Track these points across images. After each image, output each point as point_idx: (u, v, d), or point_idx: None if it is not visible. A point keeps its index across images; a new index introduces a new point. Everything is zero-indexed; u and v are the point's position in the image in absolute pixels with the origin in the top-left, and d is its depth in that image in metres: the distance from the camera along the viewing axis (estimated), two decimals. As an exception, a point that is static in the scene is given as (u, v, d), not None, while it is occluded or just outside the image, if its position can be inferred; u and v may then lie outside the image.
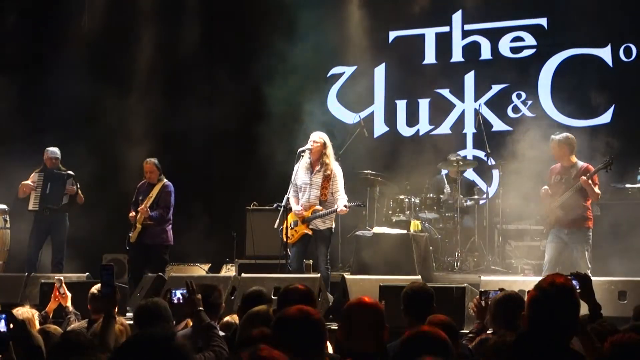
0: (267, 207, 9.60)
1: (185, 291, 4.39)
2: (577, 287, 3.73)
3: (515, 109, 10.98)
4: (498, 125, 10.99)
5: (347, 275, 7.91)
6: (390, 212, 10.20)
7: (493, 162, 10.19)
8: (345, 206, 7.88)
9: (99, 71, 11.81)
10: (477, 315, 5.06)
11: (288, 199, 8.13)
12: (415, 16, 11.34)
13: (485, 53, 11.30)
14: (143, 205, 9.08)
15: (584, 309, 3.69)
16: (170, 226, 9.34)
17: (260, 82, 10.86)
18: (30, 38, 11.76)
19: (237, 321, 4.95)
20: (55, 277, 6.19)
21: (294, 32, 10.86)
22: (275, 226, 8.20)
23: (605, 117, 10.50)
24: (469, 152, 11.15)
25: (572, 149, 7.84)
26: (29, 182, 9.65)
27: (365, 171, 10.39)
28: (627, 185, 9.14)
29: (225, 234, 10.47)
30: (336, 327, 5.29)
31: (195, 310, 4.24)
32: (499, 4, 11.29)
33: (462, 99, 11.32)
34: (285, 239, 8.10)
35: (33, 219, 9.68)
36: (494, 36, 11.23)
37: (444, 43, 11.51)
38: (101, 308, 3.90)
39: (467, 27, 11.40)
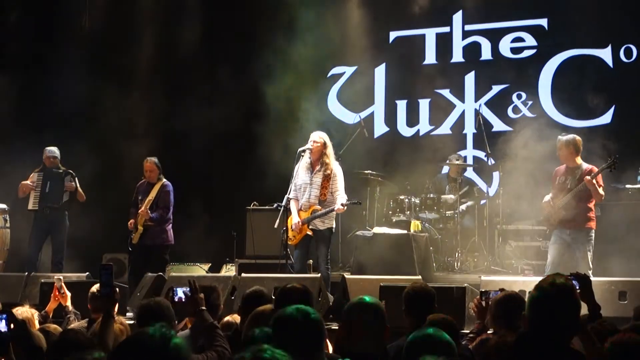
0: (267, 207, 9.60)
1: (187, 290, 4.37)
2: (577, 288, 3.73)
3: (516, 110, 10.97)
4: (498, 125, 10.99)
5: (348, 275, 7.92)
6: (390, 212, 10.20)
7: (493, 163, 10.19)
8: (342, 204, 7.87)
9: (100, 71, 11.81)
10: (477, 315, 5.05)
11: (289, 199, 8.13)
12: (415, 16, 11.34)
13: (486, 53, 11.30)
14: (143, 207, 9.08)
15: (583, 310, 3.69)
16: (171, 226, 9.34)
17: (260, 81, 10.86)
18: (31, 37, 11.75)
19: (238, 321, 4.95)
20: (55, 277, 6.18)
21: (295, 32, 10.86)
22: (276, 226, 8.20)
23: (606, 118, 10.50)
24: (469, 152, 11.15)
25: (577, 151, 7.85)
26: (28, 182, 9.66)
27: (366, 171, 10.39)
28: (628, 186, 9.14)
29: (226, 234, 10.47)
30: (336, 327, 5.29)
31: (198, 309, 4.22)
32: (499, 4, 11.28)
33: (462, 99, 11.32)
34: (286, 240, 8.10)
35: (33, 218, 9.69)
36: (494, 36, 11.23)
37: (444, 43, 11.51)
38: (101, 307, 3.87)
39: (468, 27, 11.40)
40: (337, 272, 8.90)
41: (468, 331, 5.17)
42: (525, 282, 6.75)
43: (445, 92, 11.35)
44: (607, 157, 7.89)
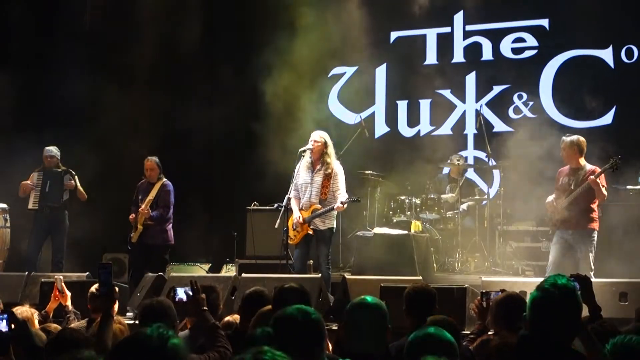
0: (267, 207, 9.61)
1: (188, 290, 4.36)
2: (577, 289, 3.72)
3: (517, 110, 10.97)
4: (499, 126, 10.98)
5: (348, 276, 7.91)
6: (391, 212, 10.20)
7: (494, 163, 10.19)
8: (342, 202, 7.86)
9: (100, 70, 11.82)
10: (478, 316, 5.04)
11: (289, 199, 8.12)
12: (416, 16, 11.33)
13: (487, 54, 11.29)
14: (143, 206, 9.09)
15: (584, 311, 3.68)
16: (171, 226, 9.35)
17: (261, 81, 10.85)
18: (32, 36, 11.74)
19: (238, 321, 4.94)
20: (55, 277, 6.17)
21: (295, 32, 10.85)
22: (276, 226, 8.20)
23: (607, 119, 10.49)
24: (470, 152, 11.15)
25: (581, 152, 7.84)
26: (28, 182, 9.68)
27: (366, 171, 10.39)
28: (628, 187, 9.13)
29: (226, 234, 10.47)
30: (336, 328, 5.29)
31: (199, 309, 4.21)
32: (500, 4, 11.29)
33: (463, 100, 11.31)
34: (286, 240, 8.10)
35: (33, 217, 9.70)
36: (495, 37, 11.23)
37: (445, 44, 11.51)
38: (100, 307, 3.84)
39: (469, 27, 11.39)
40: (338, 273, 8.90)
41: (469, 332, 5.16)
42: (526, 283, 6.74)
43: (446, 93, 11.35)
44: (607, 158, 7.88)
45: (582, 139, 7.90)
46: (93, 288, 5.38)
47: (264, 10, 11.64)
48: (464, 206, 10.13)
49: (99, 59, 12.03)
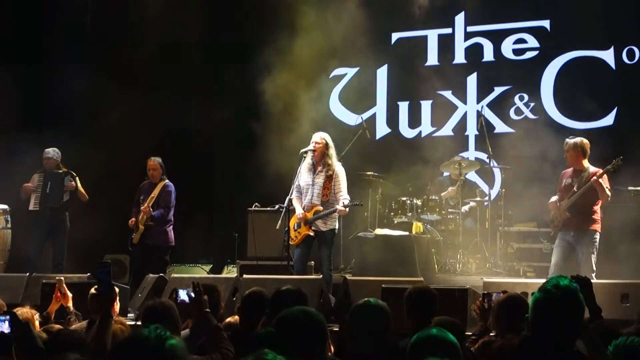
0: (268, 208, 9.59)
1: (190, 291, 4.34)
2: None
3: (518, 111, 10.96)
4: (500, 127, 10.97)
5: (349, 277, 7.90)
6: (392, 213, 10.19)
7: (495, 164, 10.18)
8: (344, 206, 7.86)
9: (100, 70, 11.82)
10: (479, 317, 5.04)
11: (290, 200, 8.12)
12: (417, 17, 11.33)
13: (488, 55, 11.29)
14: (145, 205, 9.09)
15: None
16: (172, 227, 9.35)
17: (262, 82, 10.85)
18: (33, 36, 11.74)
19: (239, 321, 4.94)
20: (57, 278, 6.17)
21: (296, 33, 10.84)
22: (277, 227, 8.20)
23: (608, 120, 10.49)
24: (471, 153, 11.14)
25: (585, 154, 7.85)
26: (29, 184, 9.69)
27: (367, 173, 10.38)
28: (630, 188, 9.13)
29: (227, 235, 10.46)
30: (337, 329, 5.29)
31: (202, 311, 4.20)
32: (501, 5, 11.28)
33: (464, 101, 11.31)
34: (287, 241, 8.09)
35: (34, 219, 9.70)
36: (496, 38, 11.22)
37: (446, 45, 11.50)
38: (98, 307, 3.78)
39: (470, 28, 11.39)
40: (339, 274, 8.89)
41: (470, 333, 5.15)
42: (527, 284, 6.73)
43: (447, 94, 11.34)
44: (608, 159, 7.87)
45: (585, 141, 7.91)
46: (93, 289, 5.38)
47: (264, 10, 11.63)
48: (465, 207, 10.12)
49: (100, 59, 12.04)
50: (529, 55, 11.08)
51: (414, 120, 11.58)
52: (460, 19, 11.42)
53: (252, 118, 11.14)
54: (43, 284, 7.35)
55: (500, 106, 11.03)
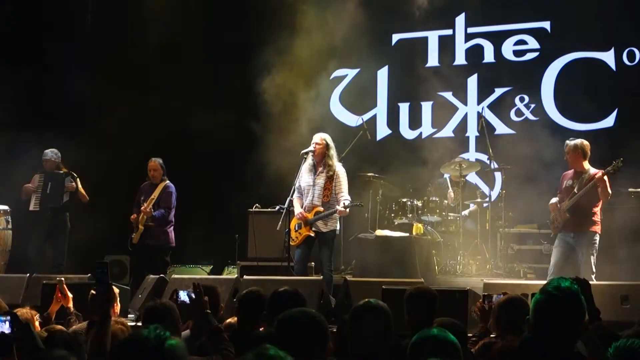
0: (269, 210, 9.59)
1: (191, 292, 4.34)
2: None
3: (518, 112, 10.97)
4: (501, 128, 10.98)
5: (350, 278, 7.90)
6: (392, 214, 10.19)
7: (496, 166, 10.18)
8: (344, 206, 7.86)
9: (101, 70, 11.83)
10: (480, 319, 5.04)
11: (291, 201, 8.12)
12: (418, 19, 11.33)
13: (489, 56, 11.29)
14: (145, 206, 9.10)
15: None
16: (172, 228, 9.36)
17: (263, 83, 10.85)
18: (33, 36, 11.74)
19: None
20: (57, 278, 6.16)
21: (297, 34, 10.85)
22: (278, 228, 8.20)
23: (608, 121, 10.50)
24: (472, 155, 11.14)
25: (585, 155, 7.86)
26: (30, 185, 9.70)
27: (368, 174, 10.38)
28: (630, 189, 9.14)
29: (227, 236, 10.46)
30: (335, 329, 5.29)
31: (203, 312, 4.19)
32: (502, 7, 11.28)
33: (465, 102, 11.31)
34: (288, 242, 8.09)
35: (34, 219, 9.70)
36: (497, 39, 11.23)
37: (447, 46, 11.51)
38: (97, 307, 3.71)
39: (470, 30, 11.40)
40: (340, 275, 8.89)
41: (471, 334, 5.15)
42: (528, 286, 6.71)
43: (448, 95, 11.34)
44: (609, 161, 7.87)
45: (586, 142, 7.92)
46: (93, 290, 5.36)
47: (264, 10, 11.63)
48: (465, 212, 10.12)
49: (100, 59, 12.04)
50: (529, 56, 11.08)
51: (415, 121, 11.58)
52: (460, 20, 11.43)
53: (252, 118, 11.14)
54: (43, 285, 7.34)
55: (500, 107, 11.03)
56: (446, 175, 10.63)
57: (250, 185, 10.84)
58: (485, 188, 10.61)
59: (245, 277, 7.83)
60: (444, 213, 10.09)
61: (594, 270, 7.59)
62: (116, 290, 4.33)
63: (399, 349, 3.92)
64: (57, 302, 5.75)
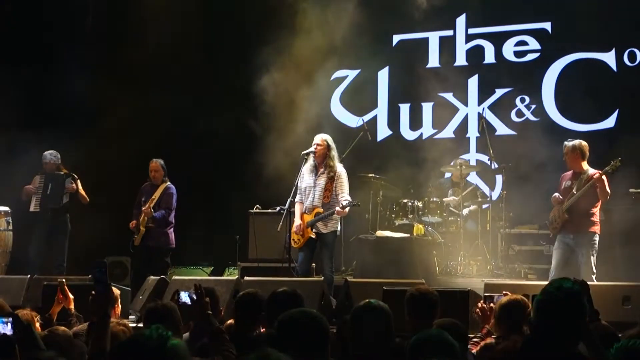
0: (270, 211, 9.61)
1: (192, 293, 4.33)
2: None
3: (519, 113, 10.96)
4: (501, 129, 10.97)
5: (351, 279, 7.90)
6: (393, 215, 10.19)
7: (496, 166, 10.17)
8: (342, 207, 7.85)
9: (101, 71, 11.83)
10: (481, 320, 5.03)
11: (292, 202, 8.12)
12: (419, 20, 11.31)
13: (489, 57, 11.29)
14: (146, 206, 9.10)
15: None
16: (173, 229, 9.36)
17: (263, 84, 10.84)
18: (34, 36, 11.74)
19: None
20: (59, 280, 6.16)
21: (298, 35, 10.84)
22: (279, 229, 8.19)
23: (609, 122, 10.49)
24: (473, 156, 11.13)
25: (584, 156, 7.86)
26: (30, 186, 9.70)
27: (369, 175, 10.38)
28: (631, 190, 9.13)
29: (228, 237, 10.46)
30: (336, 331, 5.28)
31: (204, 313, 4.19)
32: (503, 7, 11.27)
33: (465, 103, 11.31)
34: (289, 243, 8.09)
35: (34, 220, 9.70)
36: (497, 40, 11.23)
37: (447, 47, 11.50)
38: (96, 308, 3.62)
39: (471, 30, 11.39)
40: (340, 276, 8.89)
41: (472, 335, 5.15)
42: (529, 286, 6.72)
43: (449, 96, 11.34)
44: (609, 161, 7.87)
45: (584, 143, 7.92)
46: (94, 290, 5.35)
47: (264, 10, 11.63)
48: (465, 211, 10.11)
49: (100, 59, 12.05)
50: (530, 57, 11.07)
51: (415, 122, 11.58)
52: (461, 21, 11.42)
53: (253, 119, 11.13)
54: (44, 286, 7.33)
55: (501, 108, 11.02)
56: (447, 176, 10.63)
57: (250, 186, 10.83)
58: (486, 189, 10.61)
59: (246, 278, 7.83)
60: (444, 214, 10.08)
61: (594, 270, 7.59)
62: (117, 292, 4.32)
63: (400, 350, 3.92)
64: (59, 304, 5.75)
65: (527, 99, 10.90)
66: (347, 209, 7.98)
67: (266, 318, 4.42)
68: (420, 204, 10.05)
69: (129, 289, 8.01)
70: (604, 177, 7.64)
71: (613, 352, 3.24)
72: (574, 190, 7.83)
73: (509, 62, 11.16)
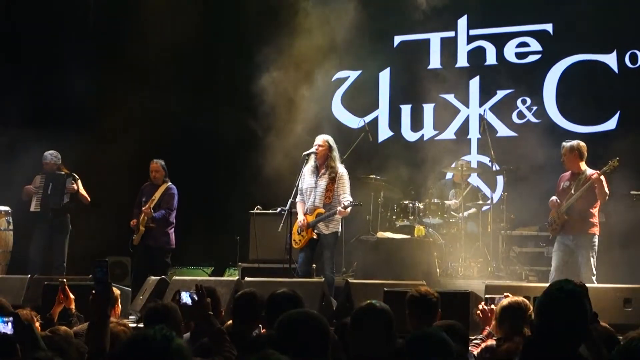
0: (271, 211, 9.60)
1: (193, 294, 4.32)
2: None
3: (520, 115, 10.96)
4: (503, 130, 10.97)
5: (351, 280, 7.89)
6: (394, 217, 10.17)
7: (497, 168, 10.17)
8: (344, 207, 7.86)
9: (102, 70, 11.83)
10: (482, 321, 5.03)
11: (293, 203, 8.11)
12: (420, 21, 11.30)
13: (491, 58, 11.28)
14: (147, 206, 9.10)
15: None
16: (173, 229, 9.36)
17: (265, 85, 10.84)
18: (35, 36, 11.74)
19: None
20: (59, 280, 6.16)
21: (298, 35, 10.83)
22: (279, 230, 8.19)
23: (611, 124, 10.48)
24: (474, 157, 11.12)
25: (582, 156, 7.86)
26: (31, 186, 9.70)
27: (370, 176, 10.37)
28: (632, 192, 9.12)
29: (229, 238, 10.45)
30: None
31: (205, 314, 4.18)
32: (504, 9, 11.27)
33: (466, 104, 11.30)
34: (290, 244, 8.09)
35: (35, 220, 9.70)
36: (499, 41, 11.22)
37: (449, 48, 11.49)
38: (96, 308, 3.55)
39: (473, 32, 11.38)
40: (341, 277, 8.88)
41: (473, 337, 5.14)
42: (530, 288, 6.72)
43: (450, 97, 11.33)
44: (608, 162, 7.86)
45: (582, 143, 7.92)
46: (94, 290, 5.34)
47: (268, 13, 11.63)
48: (465, 214, 10.10)
49: (102, 59, 12.04)
50: (531, 58, 11.07)
51: (416, 123, 11.57)
52: (463, 22, 11.42)
53: (253, 119, 11.11)
54: (45, 286, 7.33)
55: (502, 110, 11.02)
56: (448, 177, 10.62)
57: (251, 187, 10.83)
58: (487, 190, 10.60)
59: (246, 278, 7.83)
60: (445, 215, 10.07)
61: (595, 272, 7.59)
62: (117, 292, 4.31)
63: (402, 351, 3.92)
64: (60, 304, 5.74)
65: (529, 101, 10.90)
66: (348, 210, 7.98)
67: (266, 319, 4.41)
68: (421, 206, 10.04)
69: (129, 289, 8.01)
70: (602, 177, 7.64)
71: (614, 354, 3.24)
72: (572, 191, 7.83)
73: (511, 64, 11.16)
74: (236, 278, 8.54)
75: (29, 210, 9.73)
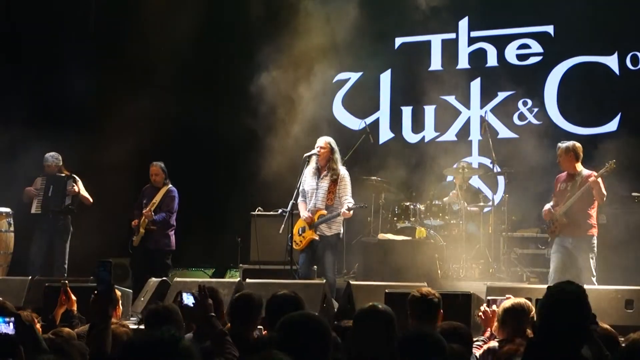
0: (272, 213, 9.60)
1: (195, 295, 4.30)
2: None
3: (521, 117, 10.96)
4: (504, 132, 10.96)
5: (353, 282, 7.88)
6: (395, 218, 10.16)
7: (498, 169, 10.17)
8: (348, 209, 7.86)
9: (103, 71, 11.82)
10: (484, 323, 5.02)
11: (294, 204, 8.11)
12: (421, 22, 11.30)
13: (492, 60, 11.29)
14: (147, 209, 9.10)
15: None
16: (174, 231, 9.36)
17: (265, 86, 10.84)
18: (36, 37, 11.75)
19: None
20: (61, 281, 6.15)
21: (300, 37, 10.84)
22: (280, 231, 8.19)
23: (612, 126, 10.48)
24: (475, 159, 11.13)
25: (578, 157, 7.85)
26: (31, 188, 9.70)
27: (371, 177, 10.37)
28: (634, 194, 9.12)
29: (230, 239, 10.45)
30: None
31: (207, 315, 4.16)
32: (505, 11, 11.27)
33: (468, 106, 11.30)
34: (290, 246, 8.08)
35: (36, 222, 9.70)
36: (500, 43, 11.22)
37: (450, 49, 11.49)
38: (97, 309, 3.52)
39: (474, 34, 11.39)
40: (342, 278, 8.87)
41: (474, 339, 5.13)
42: (531, 290, 6.71)
43: (451, 99, 11.33)
44: (605, 164, 7.85)
45: (577, 144, 7.91)
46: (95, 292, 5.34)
47: (268, 13, 11.63)
48: (467, 212, 10.09)
49: (102, 59, 12.04)
50: (532, 60, 11.07)
51: (418, 125, 11.57)
52: (464, 24, 11.42)
53: (254, 121, 11.10)
54: (45, 287, 7.33)
55: (503, 111, 11.01)
56: (449, 179, 10.62)
57: (252, 188, 10.83)
58: (488, 192, 10.60)
59: (247, 280, 7.82)
60: (446, 217, 10.06)
61: (595, 273, 7.58)
62: (118, 293, 4.31)
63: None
64: (62, 305, 5.74)
65: (530, 102, 10.90)
66: (352, 212, 7.98)
67: (267, 321, 4.41)
68: (422, 207, 10.03)
69: (130, 290, 8.00)
70: (599, 179, 7.62)
71: (616, 355, 3.24)
72: (569, 193, 7.81)
73: (512, 66, 11.16)
74: (237, 280, 8.54)
75: (29, 212, 9.73)
